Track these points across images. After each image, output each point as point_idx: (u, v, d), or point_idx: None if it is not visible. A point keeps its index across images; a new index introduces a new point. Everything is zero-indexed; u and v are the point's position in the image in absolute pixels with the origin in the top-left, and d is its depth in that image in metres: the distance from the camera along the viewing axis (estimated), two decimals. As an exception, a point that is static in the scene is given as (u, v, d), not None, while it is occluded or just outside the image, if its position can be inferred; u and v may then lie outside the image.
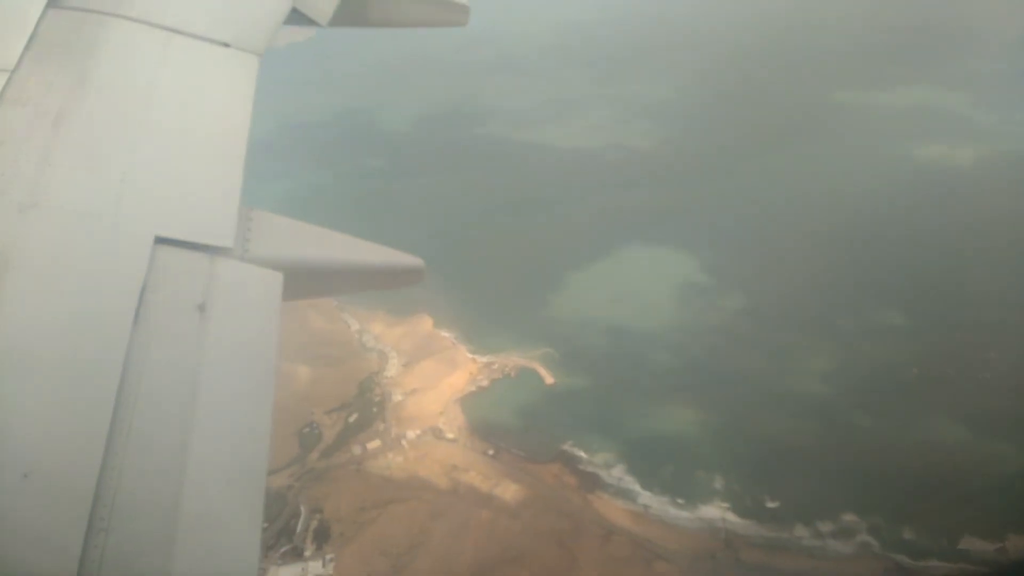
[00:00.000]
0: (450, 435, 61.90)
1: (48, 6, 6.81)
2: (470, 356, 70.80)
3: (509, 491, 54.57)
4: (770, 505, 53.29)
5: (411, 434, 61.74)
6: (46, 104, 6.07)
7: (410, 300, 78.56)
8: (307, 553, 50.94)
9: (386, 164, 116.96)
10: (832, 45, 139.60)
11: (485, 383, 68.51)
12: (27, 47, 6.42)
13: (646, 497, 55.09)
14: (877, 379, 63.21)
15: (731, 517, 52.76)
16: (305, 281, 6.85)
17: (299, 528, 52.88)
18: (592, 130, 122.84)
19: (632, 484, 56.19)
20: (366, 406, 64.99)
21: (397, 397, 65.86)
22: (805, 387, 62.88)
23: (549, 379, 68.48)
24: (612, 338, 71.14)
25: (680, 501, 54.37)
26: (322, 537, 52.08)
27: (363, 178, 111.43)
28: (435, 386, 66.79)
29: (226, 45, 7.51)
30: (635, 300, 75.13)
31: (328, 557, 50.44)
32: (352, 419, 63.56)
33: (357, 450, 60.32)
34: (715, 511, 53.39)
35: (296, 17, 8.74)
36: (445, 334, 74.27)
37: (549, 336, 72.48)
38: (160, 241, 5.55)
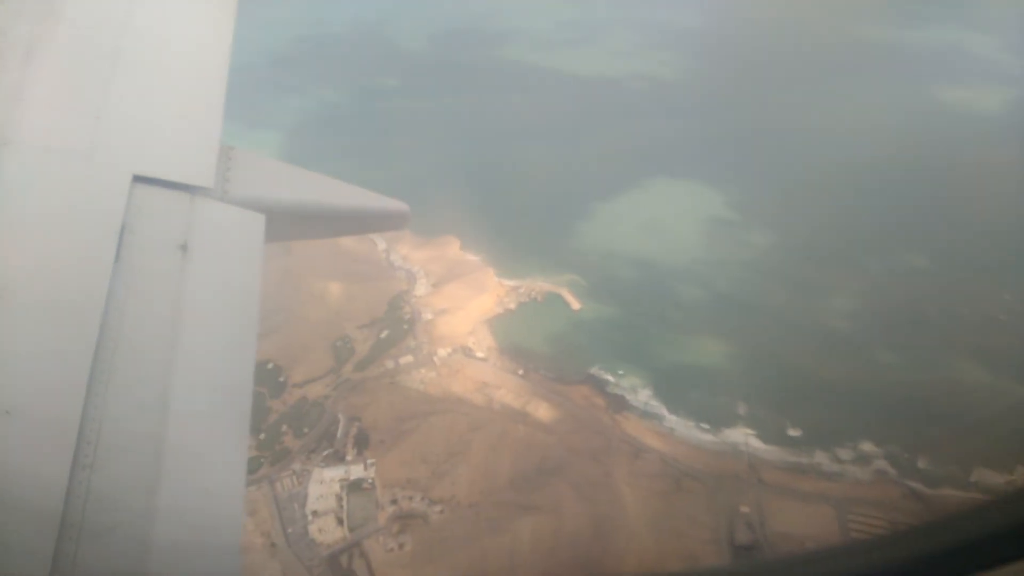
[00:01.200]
0: (480, 354, 63.37)
1: None
2: (497, 279, 71.71)
3: (541, 409, 56.44)
4: (792, 433, 55.47)
5: (442, 352, 63.14)
6: (15, 34, 5.83)
7: (436, 222, 78.67)
8: (348, 457, 52.92)
9: (401, 84, 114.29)
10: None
11: (512, 306, 69.68)
12: None
13: (672, 420, 57.16)
14: (898, 315, 64.92)
15: (754, 442, 55.00)
16: (289, 223, 6.71)
17: (339, 434, 54.71)
18: (614, 57, 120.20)
19: (658, 408, 58.18)
20: (396, 323, 66.11)
21: (427, 316, 66.96)
22: (828, 321, 64.55)
23: (575, 304, 69.77)
24: (638, 269, 72.08)
25: (704, 426, 56.48)
26: (362, 443, 54.00)
27: (379, 97, 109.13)
28: (463, 307, 67.84)
29: None
30: (661, 233, 75.74)
31: (369, 461, 52.46)
32: (383, 335, 64.76)
33: (390, 364, 61.76)
34: (738, 435, 55.58)
35: None
36: (472, 257, 74.99)
37: (574, 264, 73.34)
38: (138, 180, 5.45)
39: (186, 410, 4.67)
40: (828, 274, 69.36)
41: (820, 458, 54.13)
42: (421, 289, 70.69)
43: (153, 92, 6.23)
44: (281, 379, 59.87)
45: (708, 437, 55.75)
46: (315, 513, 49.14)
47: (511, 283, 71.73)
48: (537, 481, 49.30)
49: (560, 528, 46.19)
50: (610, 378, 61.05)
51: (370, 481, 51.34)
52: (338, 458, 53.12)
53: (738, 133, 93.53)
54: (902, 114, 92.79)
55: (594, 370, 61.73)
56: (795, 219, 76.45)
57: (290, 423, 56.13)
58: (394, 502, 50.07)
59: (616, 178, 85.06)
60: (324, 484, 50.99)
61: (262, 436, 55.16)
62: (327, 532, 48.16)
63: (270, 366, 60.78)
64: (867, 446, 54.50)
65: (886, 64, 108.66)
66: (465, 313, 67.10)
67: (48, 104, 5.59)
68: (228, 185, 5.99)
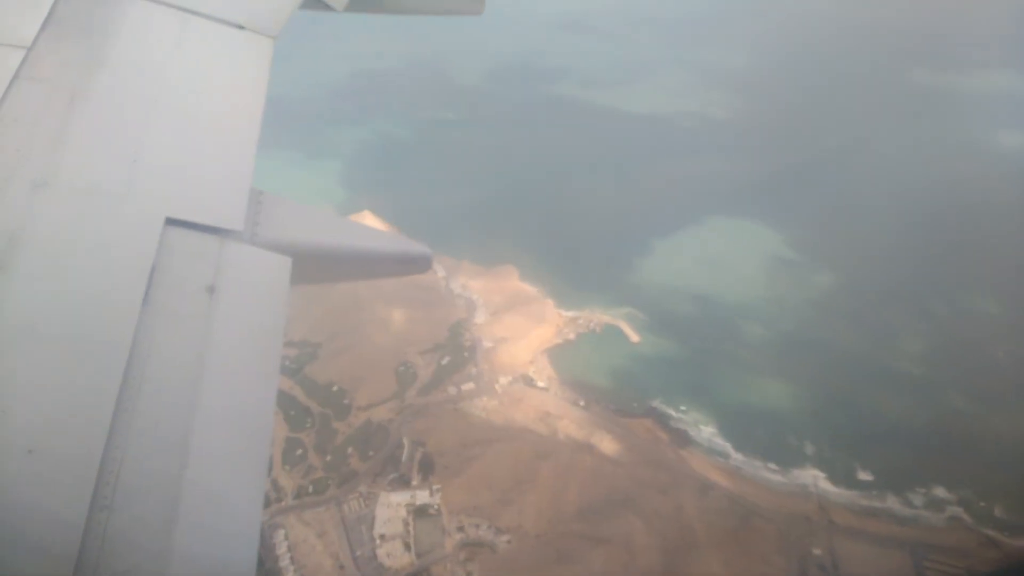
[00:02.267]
0: (541, 383, 63.60)
1: None
2: (556, 309, 72.18)
3: (605, 441, 56.27)
4: (862, 476, 54.50)
5: (503, 380, 63.50)
6: (61, 82, 6.10)
7: (494, 251, 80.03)
8: (414, 482, 53.16)
9: (459, 117, 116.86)
10: (910, 25, 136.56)
11: (571, 336, 69.99)
12: (44, 25, 6.44)
13: (738, 459, 56.56)
14: (967, 359, 63.79)
15: (824, 483, 54.12)
16: (314, 266, 6.85)
17: (404, 458, 55.06)
18: (665, 96, 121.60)
19: (723, 445, 57.65)
20: (457, 350, 66.73)
21: (487, 344, 67.52)
22: (896, 363, 63.62)
23: (635, 337, 69.81)
24: (699, 306, 72.00)
25: (772, 466, 55.77)
26: (427, 468, 54.25)
27: (438, 129, 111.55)
28: (523, 336, 68.29)
29: (241, 27, 7.49)
30: (722, 270, 75.76)
31: (435, 487, 52.64)
32: (445, 361, 65.38)
33: (452, 391, 62.24)
34: (807, 476, 54.77)
35: (312, 1, 8.77)
36: (530, 287, 75.71)
37: (633, 298, 73.54)
38: (171, 222, 5.57)
39: (206, 452, 4.68)
40: (894, 316, 68.60)
41: (892, 502, 53.07)
42: (480, 317, 71.40)
43: (188, 137, 6.39)
44: (346, 401, 60.62)
45: (776, 477, 55.00)
46: (383, 537, 49.33)
47: (570, 314, 72.14)
48: (606, 512, 48.99)
49: (631, 562, 45.76)
50: (673, 412, 60.76)
51: (436, 507, 51.48)
52: (404, 482, 53.41)
53: (793, 173, 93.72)
54: (961, 158, 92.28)
55: (656, 403, 61.53)
56: (856, 260, 75.96)
57: (356, 445, 56.69)
58: (460, 529, 50.07)
59: (673, 215, 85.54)
60: (391, 508, 51.24)
61: (328, 457, 55.81)
62: (395, 557, 48.26)
63: (335, 388, 61.69)
64: (940, 491, 53.34)
65: (942, 108, 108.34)
66: (525, 342, 67.52)
67: (87, 148, 5.80)
68: (257, 228, 6.08)
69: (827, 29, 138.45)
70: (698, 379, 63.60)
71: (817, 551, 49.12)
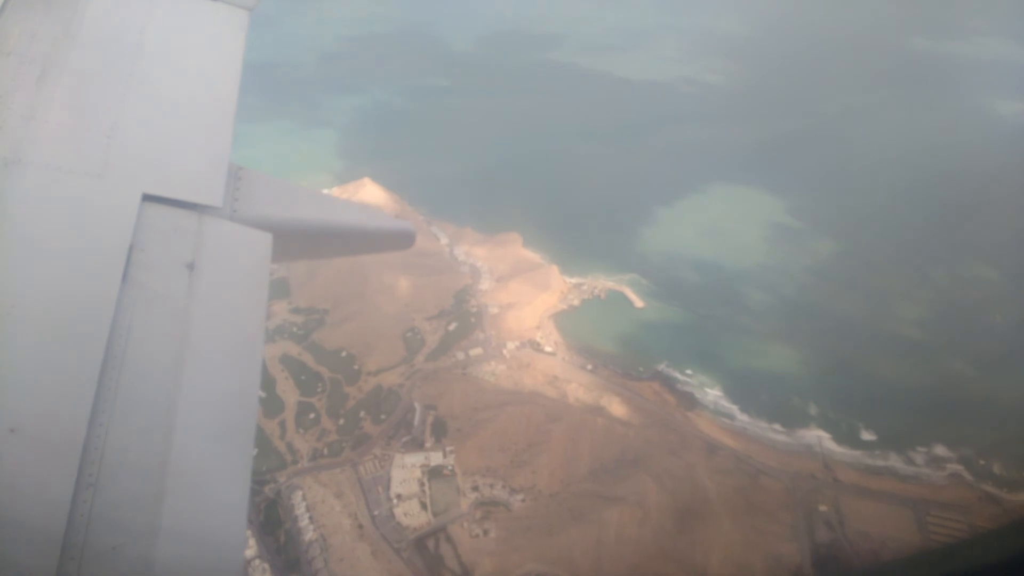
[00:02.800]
0: (548, 348, 64.09)
1: None
2: (561, 276, 72.48)
3: (614, 403, 57.03)
4: (865, 436, 55.78)
5: (511, 345, 63.95)
6: (30, 55, 5.96)
7: (497, 218, 79.88)
8: (427, 445, 53.73)
9: (454, 84, 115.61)
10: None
11: (576, 302, 70.40)
12: None
13: (744, 420, 57.60)
14: (965, 323, 65.08)
15: (828, 443, 55.36)
16: (296, 242, 6.82)
17: (416, 422, 55.57)
18: (663, 63, 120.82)
19: (729, 407, 58.64)
20: (464, 316, 66.96)
21: (493, 309, 67.76)
22: (896, 328, 64.77)
23: (639, 303, 70.36)
24: (702, 272, 72.56)
25: (777, 427, 56.89)
26: (439, 432, 54.81)
27: (433, 96, 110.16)
28: (529, 302, 68.56)
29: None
30: (724, 238, 76.24)
31: (448, 449, 53.25)
32: (452, 327, 65.62)
33: (461, 356, 62.60)
34: (811, 436, 55.97)
35: None
36: (533, 254, 75.85)
37: (636, 265, 73.86)
38: (148, 199, 5.50)
39: (190, 429, 4.66)
40: (893, 282, 69.63)
41: (894, 461, 54.44)
42: (486, 284, 71.54)
43: (164, 113, 6.29)
44: (355, 367, 60.86)
45: (781, 437, 56.15)
46: (399, 497, 50.00)
47: (574, 280, 72.50)
48: (618, 472, 49.91)
49: (645, 519, 46.76)
50: (679, 376, 61.61)
51: (450, 468, 52.16)
52: (417, 445, 53.97)
53: (792, 140, 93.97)
54: (960, 125, 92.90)
55: (662, 367, 62.33)
56: (855, 227, 76.81)
57: (367, 409, 57.08)
58: (475, 489, 50.84)
59: (675, 182, 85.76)
60: (406, 469, 51.86)
61: (341, 421, 56.20)
62: (412, 516, 48.96)
63: (344, 354, 61.86)
64: (940, 450, 54.76)
65: (939, 74, 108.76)
66: (531, 308, 67.86)
67: (61, 124, 5.68)
68: (237, 204, 6.02)
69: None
70: (703, 344, 64.42)
71: (823, 508, 50.41)
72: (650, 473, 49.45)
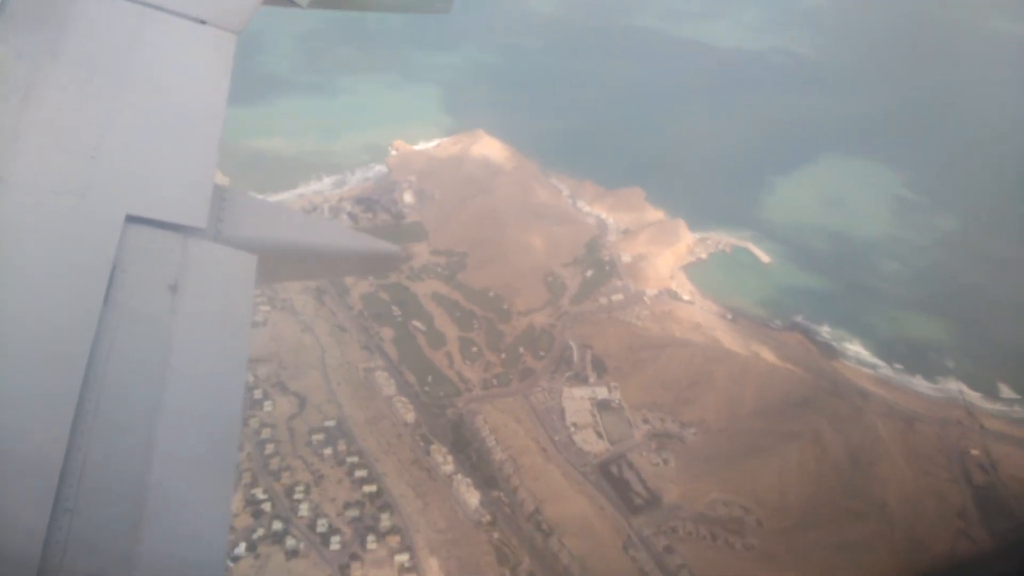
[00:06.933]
0: (686, 297, 66.21)
1: None
2: (687, 229, 74.28)
3: (763, 350, 59.19)
4: (1004, 394, 57.96)
5: (650, 292, 66.01)
6: (15, 75, 5.93)
7: (614, 173, 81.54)
8: (591, 380, 56.01)
9: (541, 45, 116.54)
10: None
11: (703, 255, 72.41)
12: None
13: (885, 369, 59.81)
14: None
15: (969, 393, 57.58)
16: (281, 264, 6.82)
17: (575, 359, 57.79)
18: (749, 31, 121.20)
19: (871, 359, 60.83)
20: (598, 264, 68.91)
21: (626, 259, 69.73)
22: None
23: (765, 258, 72.41)
24: (826, 239, 74.33)
25: (919, 377, 59.13)
26: (600, 369, 57.07)
27: (527, 57, 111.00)
28: (659, 253, 70.44)
29: (203, 22, 7.33)
30: (847, 209, 78.45)
31: (612, 385, 55.54)
32: (589, 274, 67.64)
33: (604, 301, 64.72)
34: (953, 386, 58.19)
35: None
36: (655, 208, 77.65)
37: (756, 225, 75.95)
38: (131, 220, 5.47)
39: (171, 454, 4.63)
40: (1021, 254, 71.28)
41: (1037, 413, 56.57)
42: (612, 235, 73.40)
43: (149, 135, 6.25)
44: (505, 307, 62.95)
45: (924, 386, 58.37)
46: (575, 425, 52.34)
47: (698, 234, 74.33)
48: (787, 412, 52.20)
49: (823, 455, 49.12)
50: (816, 327, 63.68)
51: (617, 402, 54.49)
52: (581, 380, 56.24)
53: (897, 114, 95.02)
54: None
55: (799, 319, 64.38)
56: (975, 202, 78.37)
57: (525, 346, 59.28)
58: (646, 422, 53.21)
59: (787, 152, 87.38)
60: (576, 401, 54.19)
61: (503, 355, 58.44)
62: (590, 443, 51.40)
63: (491, 294, 63.92)
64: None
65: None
66: (662, 259, 69.75)
67: (43, 144, 5.64)
68: (221, 225, 6.05)
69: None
70: (837, 304, 66.40)
71: (975, 451, 52.71)
72: (820, 413, 51.74)
